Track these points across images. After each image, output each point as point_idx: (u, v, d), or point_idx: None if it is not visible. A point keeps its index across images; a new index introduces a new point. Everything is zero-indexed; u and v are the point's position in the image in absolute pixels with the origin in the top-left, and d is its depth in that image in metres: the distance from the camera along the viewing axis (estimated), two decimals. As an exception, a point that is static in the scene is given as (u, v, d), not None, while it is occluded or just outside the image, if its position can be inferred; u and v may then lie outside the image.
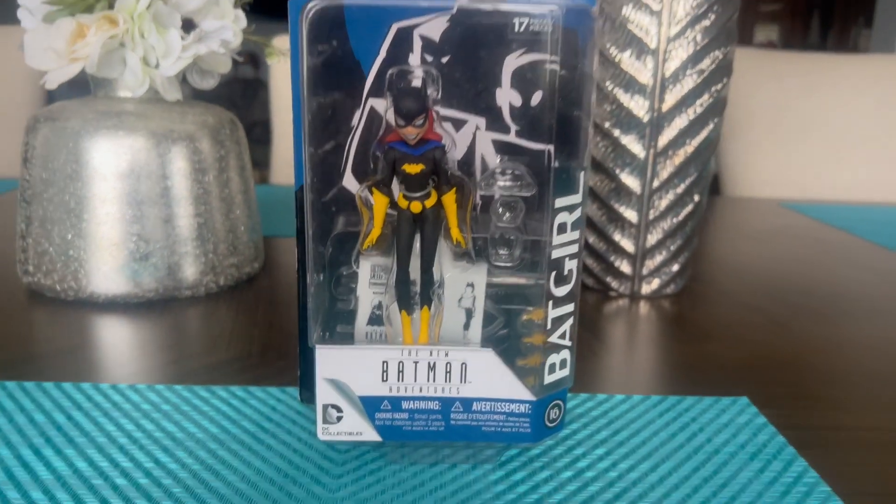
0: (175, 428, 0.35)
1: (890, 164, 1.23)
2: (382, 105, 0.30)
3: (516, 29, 0.29)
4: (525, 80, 0.30)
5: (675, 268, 0.57)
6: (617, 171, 0.54)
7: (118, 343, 0.46)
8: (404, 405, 0.31)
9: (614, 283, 0.57)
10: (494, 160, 0.31)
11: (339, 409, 0.31)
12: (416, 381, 0.31)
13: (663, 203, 0.54)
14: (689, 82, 0.52)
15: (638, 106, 0.53)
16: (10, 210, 0.77)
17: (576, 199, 0.30)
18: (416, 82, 0.29)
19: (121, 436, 0.34)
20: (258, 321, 0.49)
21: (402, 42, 0.29)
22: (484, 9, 0.29)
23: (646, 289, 0.57)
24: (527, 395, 0.31)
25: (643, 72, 0.52)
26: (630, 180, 0.54)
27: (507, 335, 0.32)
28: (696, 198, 0.56)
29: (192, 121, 0.53)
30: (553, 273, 0.31)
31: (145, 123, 0.51)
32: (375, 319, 0.32)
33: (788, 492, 0.31)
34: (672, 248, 0.56)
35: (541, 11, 0.28)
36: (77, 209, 0.50)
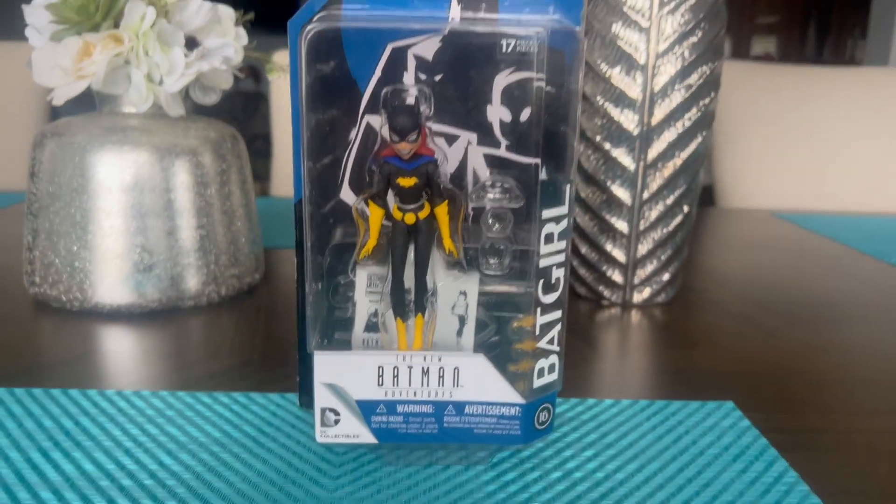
0: (178, 432, 0.36)
1: (880, 175, 1.25)
2: (378, 121, 0.32)
3: (504, 50, 0.30)
4: (514, 97, 0.31)
5: (666, 277, 0.58)
6: (608, 183, 0.56)
7: (123, 351, 0.47)
8: (399, 409, 0.32)
9: (606, 292, 0.58)
10: (486, 173, 0.32)
11: (336, 413, 0.32)
12: (410, 385, 0.32)
13: (653, 214, 0.56)
14: (677, 97, 0.54)
15: (628, 120, 0.54)
16: (17, 222, 0.78)
17: (562, 210, 0.32)
18: (410, 100, 0.31)
19: (126, 440, 0.35)
20: (258, 330, 0.51)
21: (397, 61, 0.31)
22: (474, 30, 0.31)
23: (637, 298, 0.58)
24: (517, 399, 0.33)
25: (633, 87, 0.54)
26: (621, 192, 0.56)
27: (499, 341, 0.34)
28: (686, 209, 0.57)
29: (195, 135, 0.54)
30: (541, 281, 0.32)
31: (149, 138, 0.53)
32: (372, 326, 0.34)
33: (768, 491, 0.33)
34: (662, 257, 0.57)
35: (527, 33, 0.30)
36: (83, 222, 0.52)
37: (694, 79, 0.54)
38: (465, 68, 0.31)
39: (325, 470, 0.33)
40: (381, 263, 0.33)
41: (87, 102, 0.56)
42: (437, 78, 0.31)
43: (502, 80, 0.31)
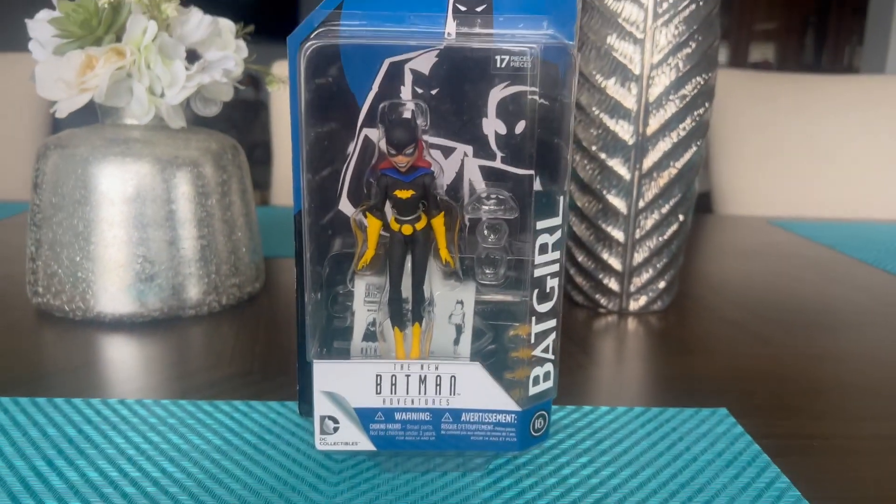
0: (180, 440, 0.37)
1: (876, 183, 1.26)
2: (376, 135, 0.32)
3: (498, 65, 0.31)
4: (509, 110, 0.32)
5: (662, 285, 0.59)
6: (604, 193, 0.56)
7: (125, 360, 0.48)
8: (397, 416, 0.33)
9: (603, 300, 0.59)
10: (481, 185, 0.33)
11: (335, 421, 0.33)
12: (408, 393, 0.33)
13: (649, 223, 0.57)
14: (671, 107, 0.55)
15: (623, 130, 0.55)
16: (21, 233, 0.79)
17: (556, 221, 0.33)
18: (406, 114, 0.32)
19: (129, 447, 0.36)
20: (259, 339, 0.51)
21: (395, 76, 0.32)
22: (469, 46, 0.31)
23: (633, 305, 0.59)
24: (513, 406, 0.33)
25: (628, 97, 0.54)
26: (616, 201, 0.56)
27: (496, 350, 0.34)
28: (681, 217, 0.58)
29: (196, 147, 0.55)
30: (536, 290, 0.33)
31: (151, 150, 0.53)
32: (370, 335, 0.34)
33: (760, 496, 0.33)
34: (658, 265, 0.58)
35: (520, 49, 0.31)
36: (85, 232, 0.52)
37: (688, 89, 0.55)
38: (460, 82, 0.32)
39: (325, 477, 0.34)
40: (379, 274, 0.33)
41: (90, 114, 0.57)
42: (434, 92, 0.32)
43: (497, 93, 0.32)
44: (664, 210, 0.57)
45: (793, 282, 0.71)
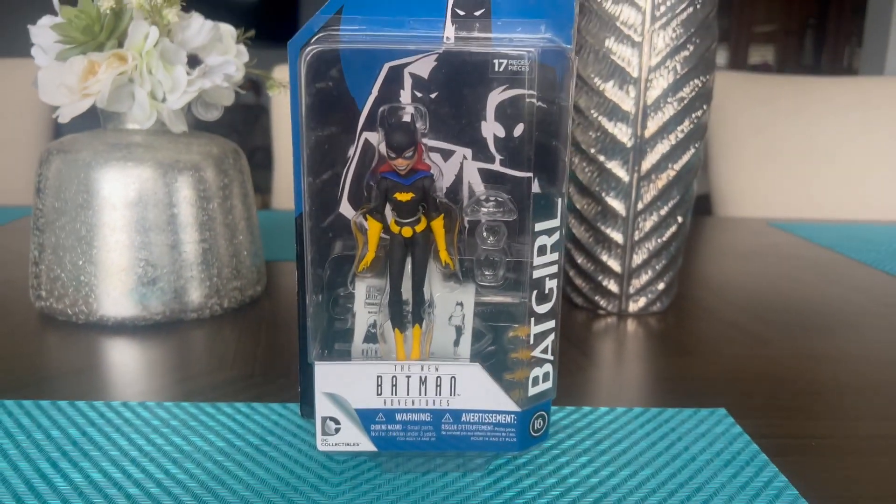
0: (183, 442, 0.37)
1: (875, 184, 1.26)
2: (376, 138, 0.33)
3: (496, 69, 0.31)
4: (507, 113, 0.32)
5: (661, 286, 0.59)
6: (603, 195, 0.57)
7: (128, 363, 0.48)
8: (398, 417, 0.33)
9: (602, 302, 0.59)
10: (480, 188, 0.33)
11: (337, 422, 0.33)
12: (408, 394, 0.33)
13: (648, 225, 0.57)
14: (669, 109, 0.55)
15: (621, 132, 0.55)
16: (24, 237, 0.80)
17: (554, 223, 0.33)
18: (406, 118, 0.32)
19: (132, 449, 0.36)
20: (260, 341, 0.52)
21: (394, 80, 0.32)
22: (468, 50, 0.32)
23: (633, 307, 0.59)
24: (512, 407, 0.33)
25: (626, 100, 0.55)
26: (615, 203, 0.57)
27: (495, 351, 0.34)
28: (680, 219, 0.58)
29: (198, 151, 0.56)
30: (535, 292, 0.33)
31: (153, 154, 0.54)
32: (371, 337, 0.35)
33: (758, 495, 0.33)
34: (657, 267, 0.58)
35: (518, 53, 0.31)
36: (88, 236, 0.53)
37: (686, 92, 0.55)
38: (459, 86, 0.32)
39: (326, 478, 0.34)
40: (379, 276, 0.34)
41: (92, 119, 0.58)
42: (433, 96, 0.32)
43: (496, 97, 0.32)
44: (663, 212, 0.57)
45: (792, 283, 0.71)
